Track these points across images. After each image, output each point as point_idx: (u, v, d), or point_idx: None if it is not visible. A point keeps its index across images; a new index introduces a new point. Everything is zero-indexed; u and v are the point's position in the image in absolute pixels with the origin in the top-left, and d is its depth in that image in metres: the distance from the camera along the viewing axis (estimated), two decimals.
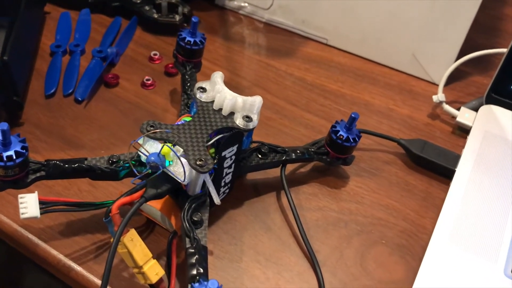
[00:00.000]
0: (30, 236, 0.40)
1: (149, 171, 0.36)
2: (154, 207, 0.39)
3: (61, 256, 0.39)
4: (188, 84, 0.48)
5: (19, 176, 0.35)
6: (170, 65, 0.55)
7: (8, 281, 1.01)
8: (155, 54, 0.57)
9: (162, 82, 0.55)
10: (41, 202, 0.35)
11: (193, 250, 0.35)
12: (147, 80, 0.53)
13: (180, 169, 0.36)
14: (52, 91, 0.51)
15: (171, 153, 0.36)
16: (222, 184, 0.41)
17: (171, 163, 0.36)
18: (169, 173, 0.36)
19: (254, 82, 0.56)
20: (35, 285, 1.01)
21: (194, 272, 0.34)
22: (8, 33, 0.46)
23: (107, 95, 0.52)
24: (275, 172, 0.46)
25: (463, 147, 0.50)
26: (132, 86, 0.54)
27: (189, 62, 0.49)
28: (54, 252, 0.39)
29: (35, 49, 0.56)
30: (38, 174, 0.37)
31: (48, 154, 0.46)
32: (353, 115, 0.43)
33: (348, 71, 0.59)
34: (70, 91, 0.52)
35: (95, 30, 0.60)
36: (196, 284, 0.31)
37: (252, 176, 0.46)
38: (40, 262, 0.41)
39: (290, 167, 0.47)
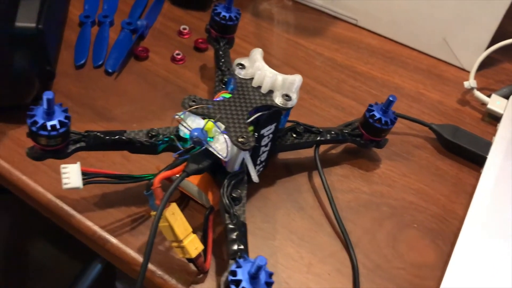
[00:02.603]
0: (65, 206, 0.40)
1: (189, 146, 0.36)
2: (192, 182, 0.39)
3: (96, 228, 0.39)
4: (223, 60, 0.47)
5: (60, 146, 0.35)
6: (200, 40, 0.55)
7: (15, 252, 1.01)
8: (184, 29, 0.56)
9: (191, 57, 0.54)
10: (82, 173, 0.35)
11: (233, 226, 0.35)
12: (177, 54, 0.53)
13: (222, 145, 0.36)
14: (82, 62, 0.51)
15: (213, 129, 0.36)
16: (258, 162, 0.41)
17: (212, 139, 0.36)
18: (211, 149, 0.36)
19: (284, 61, 0.56)
20: (42, 256, 1.02)
21: (235, 247, 0.34)
22: (42, 1, 0.45)
23: (137, 68, 0.52)
24: (306, 152, 0.46)
25: (492, 134, 0.50)
26: (162, 60, 0.53)
27: (222, 38, 0.49)
28: (89, 223, 0.39)
29: (64, 19, 0.55)
30: (78, 145, 0.36)
31: (80, 125, 0.45)
32: (390, 98, 0.43)
33: (377, 53, 0.59)
34: (101, 62, 0.51)
35: (123, 1, 0.59)
36: (241, 260, 0.31)
37: (283, 155, 0.46)
38: (74, 233, 0.41)
39: (321, 148, 0.47)
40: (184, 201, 0.42)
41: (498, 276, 0.38)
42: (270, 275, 0.31)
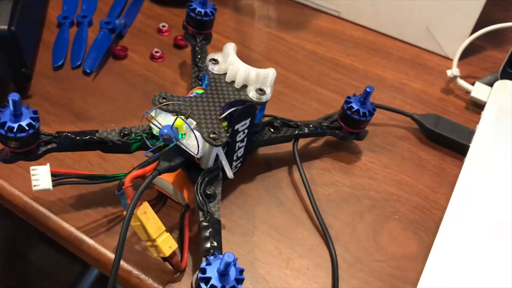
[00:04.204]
0: (41, 208, 0.40)
1: (162, 143, 0.36)
2: (167, 180, 0.39)
3: (72, 229, 0.39)
4: (199, 57, 0.47)
5: (30, 148, 0.35)
6: (179, 37, 0.54)
7: (15, 256, 1.02)
8: (163, 26, 0.56)
9: (171, 55, 0.54)
10: (52, 175, 0.35)
11: (206, 224, 0.35)
12: (156, 52, 0.53)
13: (193, 142, 0.35)
14: (60, 63, 0.50)
15: (184, 125, 0.36)
16: (235, 158, 0.40)
17: (183, 136, 0.36)
18: (182, 146, 0.35)
19: (265, 56, 0.55)
20: (43, 260, 1.02)
21: (208, 245, 0.34)
22: (15, 3, 0.45)
23: (116, 68, 0.51)
24: (287, 147, 0.45)
25: (477, 122, 0.49)
26: (141, 58, 0.53)
27: (199, 34, 0.48)
28: (65, 224, 0.39)
29: (42, 20, 0.55)
30: (49, 146, 0.36)
31: (57, 126, 0.45)
32: (367, 89, 0.42)
33: (360, 45, 0.58)
34: (79, 63, 0.51)
35: (102, 1, 0.58)
36: (211, 257, 0.31)
37: (264, 150, 0.46)
38: (51, 235, 0.40)
39: (302, 142, 0.47)
40: (162, 200, 0.41)
41: (479, 267, 0.38)
42: (241, 271, 0.31)
